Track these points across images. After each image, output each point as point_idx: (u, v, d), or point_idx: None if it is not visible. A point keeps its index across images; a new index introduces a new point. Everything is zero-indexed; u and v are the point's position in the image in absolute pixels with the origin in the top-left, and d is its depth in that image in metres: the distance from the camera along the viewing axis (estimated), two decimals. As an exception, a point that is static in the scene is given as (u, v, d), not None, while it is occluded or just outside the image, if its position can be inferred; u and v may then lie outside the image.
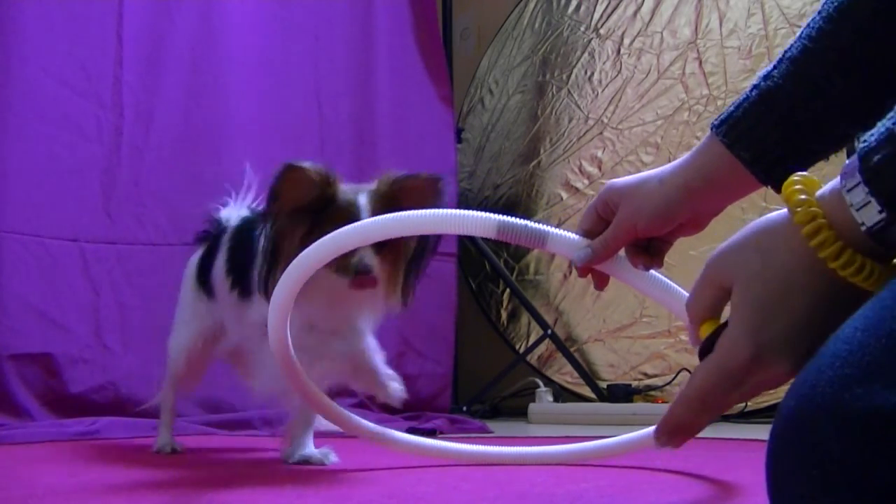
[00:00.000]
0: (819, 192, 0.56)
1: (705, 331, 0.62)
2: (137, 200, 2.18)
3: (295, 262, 1.01)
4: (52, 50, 2.10)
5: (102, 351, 2.07)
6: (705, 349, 0.60)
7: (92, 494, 1.12)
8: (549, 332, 2.71)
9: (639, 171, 0.84)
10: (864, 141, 0.51)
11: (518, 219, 0.87)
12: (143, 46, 2.23)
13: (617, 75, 2.84)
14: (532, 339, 2.83)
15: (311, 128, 2.49)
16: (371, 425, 1.35)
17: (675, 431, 0.63)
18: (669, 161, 0.81)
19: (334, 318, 1.34)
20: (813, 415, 0.48)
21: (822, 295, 0.55)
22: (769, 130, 0.73)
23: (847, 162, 0.53)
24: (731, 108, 0.75)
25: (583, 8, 2.97)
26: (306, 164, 1.25)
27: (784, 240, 0.56)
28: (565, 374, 2.81)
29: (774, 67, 0.73)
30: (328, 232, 1.16)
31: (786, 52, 0.72)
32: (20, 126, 2.05)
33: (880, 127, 0.51)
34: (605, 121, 2.84)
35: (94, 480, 1.28)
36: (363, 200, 1.25)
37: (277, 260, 1.25)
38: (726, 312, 0.62)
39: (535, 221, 0.88)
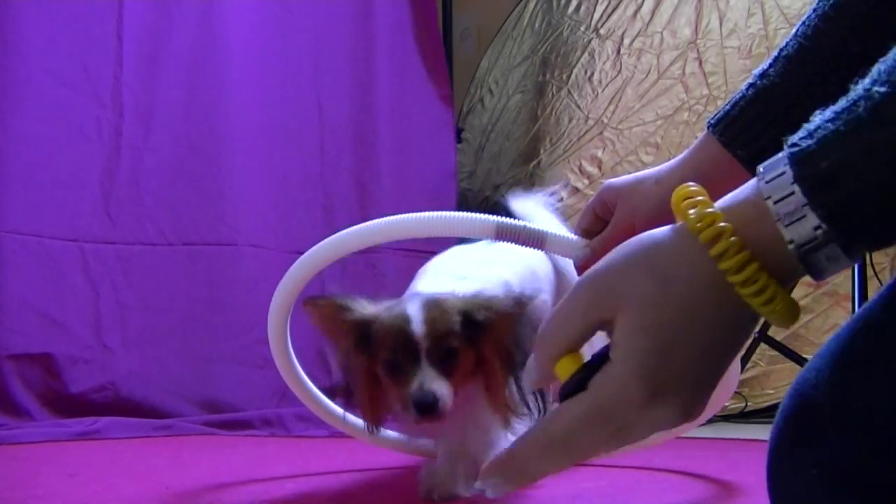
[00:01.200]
0: (721, 203, 0.47)
1: (565, 369, 0.50)
2: (137, 200, 2.18)
3: (296, 264, 1.00)
4: (52, 50, 2.10)
5: (102, 351, 2.06)
6: (569, 392, 0.49)
7: (92, 494, 1.12)
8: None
9: (638, 171, 0.84)
10: (795, 144, 0.44)
11: (517, 220, 0.87)
12: (143, 46, 2.23)
13: (617, 75, 2.84)
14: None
15: (311, 128, 2.49)
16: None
17: (514, 476, 0.51)
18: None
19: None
20: (813, 415, 0.48)
21: (724, 324, 0.47)
22: (765, 128, 0.72)
23: (765, 166, 0.46)
24: (728, 107, 0.75)
25: (583, 8, 2.97)
26: (318, 301, 1.10)
27: (683, 258, 0.47)
28: (565, 374, 2.81)
29: (770, 65, 0.73)
30: (391, 358, 1.04)
31: (781, 50, 0.72)
32: (20, 126, 2.05)
33: (814, 126, 0.44)
34: (605, 121, 2.84)
35: (93, 480, 1.27)
36: (413, 310, 1.05)
37: (365, 401, 1.09)
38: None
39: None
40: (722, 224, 0.46)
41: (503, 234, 0.87)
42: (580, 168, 2.88)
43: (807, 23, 0.70)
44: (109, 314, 2.10)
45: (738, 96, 0.75)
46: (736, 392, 1.64)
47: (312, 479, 1.31)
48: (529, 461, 0.50)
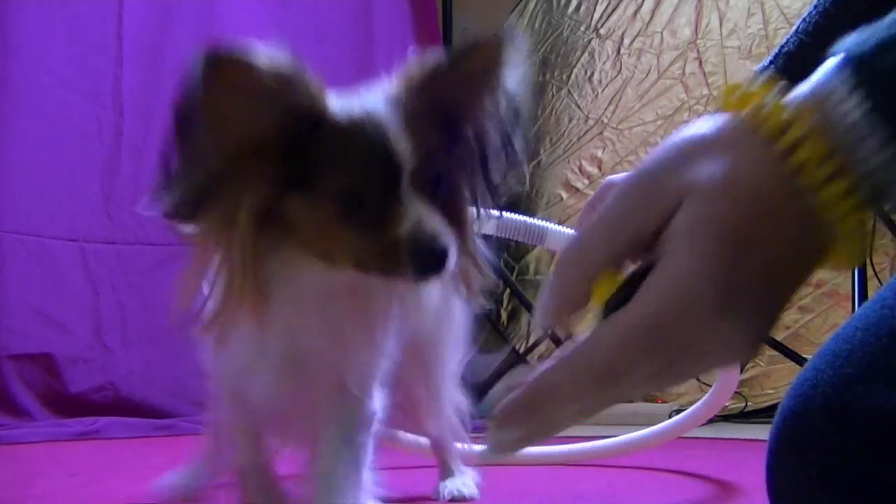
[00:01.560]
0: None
1: (602, 292, 0.39)
2: (137, 200, 2.18)
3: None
4: (52, 50, 2.10)
5: (102, 351, 2.07)
6: (615, 308, 0.38)
7: (92, 494, 1.12)
8: (549, 332, 2.71)
9: (638, 170, 0.84)
10: (843, 46, 0.37)
11: (517, 215, 0.87)
12: (143, 46, 2.23)
13: (617, 75, 2.84)
14: (532, 339, 2.83)
15: (311, 128, 2.49)
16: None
17: (538, 426, 0.39)
18: (669, 160, 0.81)
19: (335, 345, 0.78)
20: (813, 414, 0.48)
21: (789, 236, 0.37)
22: None
23: (817, 83, 0.37)
24: (728, 105, 0.75)
25: (583, 8, 2.97)
26: (253, 57, 0.65)
27: (746, 148, 0.37)
28: (565, 374, 2.81)
29: (771, 62, 0.73)
30: (356, 188, 0.67)
31: (781, 46, 0.73)
32: (20, 126, 2.05)
33: (864, 36, 0.38)
34: (605, 121, 2.84)
35: (93, 480, 1.27)
36: (385, 111, 0.72)
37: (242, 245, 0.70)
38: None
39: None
40: (791, 112, 0.36)
41: (503, 229, 0.86)
42: (580, 168, 2.88)
43: (807, 19, 0.71)
44: (109, 314, 2.11)
45: (738, 95, 0.75)
46: (736, 392, 1.64)
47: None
48: (560, 403, 0.38)
